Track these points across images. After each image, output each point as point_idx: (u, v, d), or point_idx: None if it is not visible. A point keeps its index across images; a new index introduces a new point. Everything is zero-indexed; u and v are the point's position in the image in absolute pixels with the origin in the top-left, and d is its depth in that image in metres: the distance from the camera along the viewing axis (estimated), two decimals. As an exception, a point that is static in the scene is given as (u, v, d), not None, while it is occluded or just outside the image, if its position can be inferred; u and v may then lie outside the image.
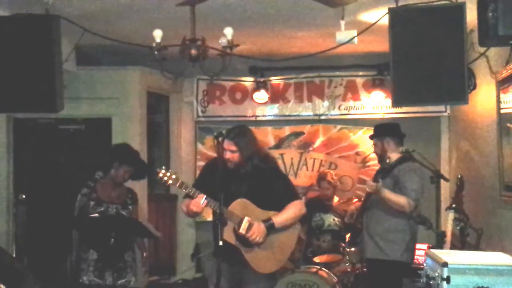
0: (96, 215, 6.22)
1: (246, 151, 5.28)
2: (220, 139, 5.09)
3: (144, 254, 6.62)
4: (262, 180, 5.33)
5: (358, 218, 6.48)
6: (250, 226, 5.20)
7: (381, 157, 6.31)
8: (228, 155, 5.25)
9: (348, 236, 7.22)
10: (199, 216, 5.74)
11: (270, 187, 5.35)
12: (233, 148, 5.25)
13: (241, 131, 5.42)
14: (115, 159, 6.32)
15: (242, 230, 5.18)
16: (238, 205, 5.24)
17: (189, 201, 5.25)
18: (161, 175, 5.25)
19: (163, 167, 5.31)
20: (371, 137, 6.56)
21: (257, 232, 5.19)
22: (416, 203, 5.95)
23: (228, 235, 5.17)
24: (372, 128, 6.73)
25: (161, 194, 9.29)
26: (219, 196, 5.04)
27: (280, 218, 5.31)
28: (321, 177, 8.19)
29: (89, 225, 6.27)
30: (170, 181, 5.25)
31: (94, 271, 6.18)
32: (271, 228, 5.25)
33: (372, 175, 6.48)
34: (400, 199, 5.93)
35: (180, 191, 5.53)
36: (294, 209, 5.40)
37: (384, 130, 6.42)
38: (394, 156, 6.18)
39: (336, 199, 8.15)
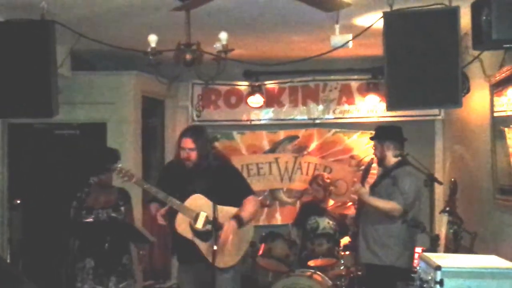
0: (91, 220, 6.22)
1: (203, 148, 5.46)
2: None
3: (141, 252, 6.60)
4: (219, 177, 5.46)
5: (355, 222, 6.48)
6: (207, 221, 5.34)
7: (381, 160, 6.31)
8: (186, 153, 5.45)
9: (347, 240, 7.25)
10: None
11: (227, 184, 5.52)
12: (191, 146, 5.44)
13: (197, 129, 5.68)
14: (92, 174, 6.32)
15: (199, 224, 5.32)
16: (194, 200, 5.38)
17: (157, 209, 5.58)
18: (117, 171, 5.54)
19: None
20: (372, 139, 6.54)
21: (230, 230, 5.35)
22: (406, 208, 5.91)
23: (184, 230, 5.28)
24: (367, 131, 6.74)
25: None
26: (213, 201, 5.24)
27: (246, 214, 5.52)
28: (312, 180, 8.23)
29: (83, 231, 6.27)
30: (126, 178, 5.52)
31: (94, 279, 6.18)
32: (241, 224, 5.44)
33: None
34: (387, 205, 5.93)
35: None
36: (253, 204, 5.63)
37: (385, 134, 6.37)
38: (393, 159, 6.19)
39: (331, 202, 8.16)
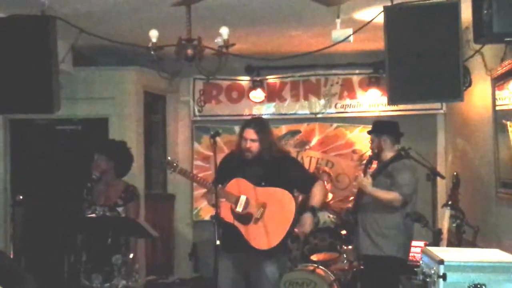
0: (94, 215, 6.20)
1: (265, 140, 5.53)
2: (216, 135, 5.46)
3: (131, 255, 6.48)
4: (280, 167, 5.56)
5: (352, 214, 6.48)
6: (247, 204, 5.45)
7: (377, 153, 6.33)
8: (248, 144, 5.51)
9: (344, 233, 7.26)
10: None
11: (288, 173, 5.60)
12: (254, 137, 5.50)
13: (261, 121, 5.78)
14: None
15: (239, 208, 5.41)
16: (234, 185, 5.44)
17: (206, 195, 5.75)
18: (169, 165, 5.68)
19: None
20: (369, 132, 6.57)
21: (308, 223, 5.53)
22: (406, 199, 5.95)
23: (226, 214, 5.41)
24: (369, 126, 6.74)
25: (159, 194, 9.29)
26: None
27: (317, 202, 5.63)
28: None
29: (85, 226, 6.25)
30: (172, 169, 5.67)
31: (84, 273, 6.16)
32: (315, 214, 5.65)
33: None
34: (387, 195, 5.95)
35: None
36: (321, 190, 5.73)
37: (382, 128, 6.41)
38: (389, 154, 6.21)
39: (330, 196, 8.15)
